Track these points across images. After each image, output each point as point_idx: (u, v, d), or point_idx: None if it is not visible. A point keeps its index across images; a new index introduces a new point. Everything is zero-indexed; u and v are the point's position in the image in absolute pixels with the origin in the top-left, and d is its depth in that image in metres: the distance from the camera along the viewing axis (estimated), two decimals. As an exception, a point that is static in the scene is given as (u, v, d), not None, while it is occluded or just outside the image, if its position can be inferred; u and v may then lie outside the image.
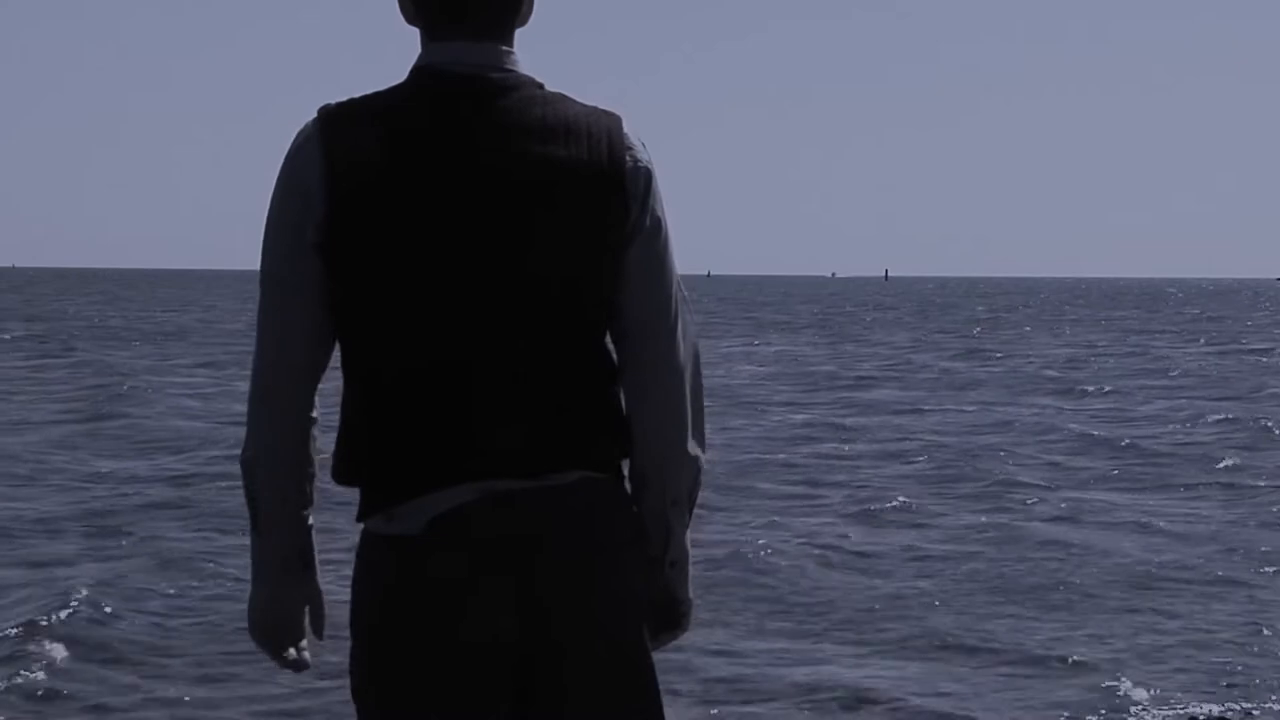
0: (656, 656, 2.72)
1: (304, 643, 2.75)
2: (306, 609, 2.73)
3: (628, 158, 2.63)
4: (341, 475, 2.65)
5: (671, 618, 2.81)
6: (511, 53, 2.66)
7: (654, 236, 2.66)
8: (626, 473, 2.72)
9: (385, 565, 2.60)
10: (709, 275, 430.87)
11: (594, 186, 2.60)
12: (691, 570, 2.80)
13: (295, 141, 2.62)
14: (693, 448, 2.73)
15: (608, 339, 2.68)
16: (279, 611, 2.71)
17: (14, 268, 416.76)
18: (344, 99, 2.64)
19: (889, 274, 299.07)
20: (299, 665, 2.77)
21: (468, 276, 2.56)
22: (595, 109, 2.67)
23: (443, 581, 2.56)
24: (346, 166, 2.55)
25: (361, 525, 2.66)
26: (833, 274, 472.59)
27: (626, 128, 2.67)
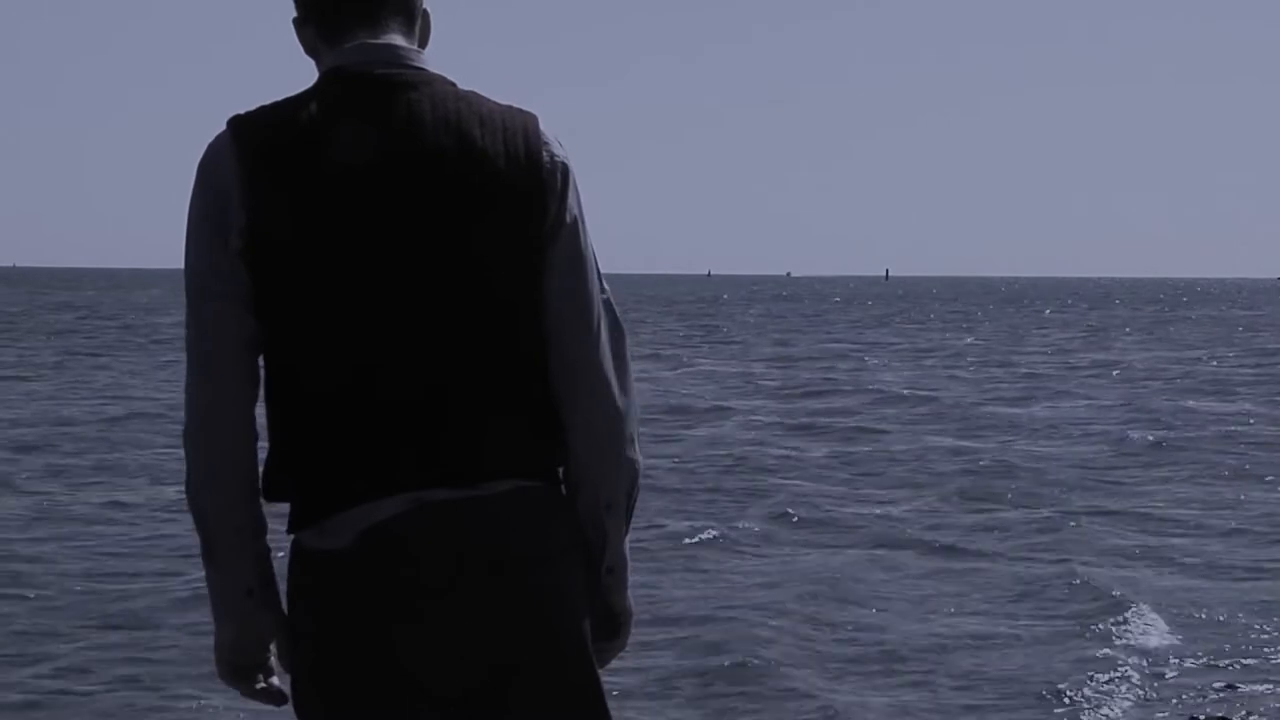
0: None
1: (274, 676, 2.66)
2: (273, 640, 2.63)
3: (544, 153, 2.58)
4: (271, 492, 2.58)
5: (610, 627, 2.74)
6: (420, 51, 2.62)
7: (573, 234, 2.60)
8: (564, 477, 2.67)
9: (319, 579, 2.53)
10: (709, 275, 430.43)
11: (512, 182, 2.55)
12: (631, 578, 2.73)
13: (208, 151, 2.55)
14: (628, 450, 2.66)
15: (535, 341, 2.60)
16: (248, 647, 2.60)
17: (14, 267, 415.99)
18: (254, 107, 2.58)
19: (889, 274, 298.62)
20: (278, 697, 2.65)
21: (389, 279, 2.51)
22: (511, 106, 2.62)
23: (376, 594, 2.50)
24: (263, 172, 2.49)
25: (290, 537, 2.59)
26: (788, 273, 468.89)
27: (543, 125, 2.62)
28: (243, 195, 2.49)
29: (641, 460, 2.70)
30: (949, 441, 18.72)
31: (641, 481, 2.72)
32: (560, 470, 2.64)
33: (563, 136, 2.63)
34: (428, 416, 2.52)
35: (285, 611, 2.61)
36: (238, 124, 2.55)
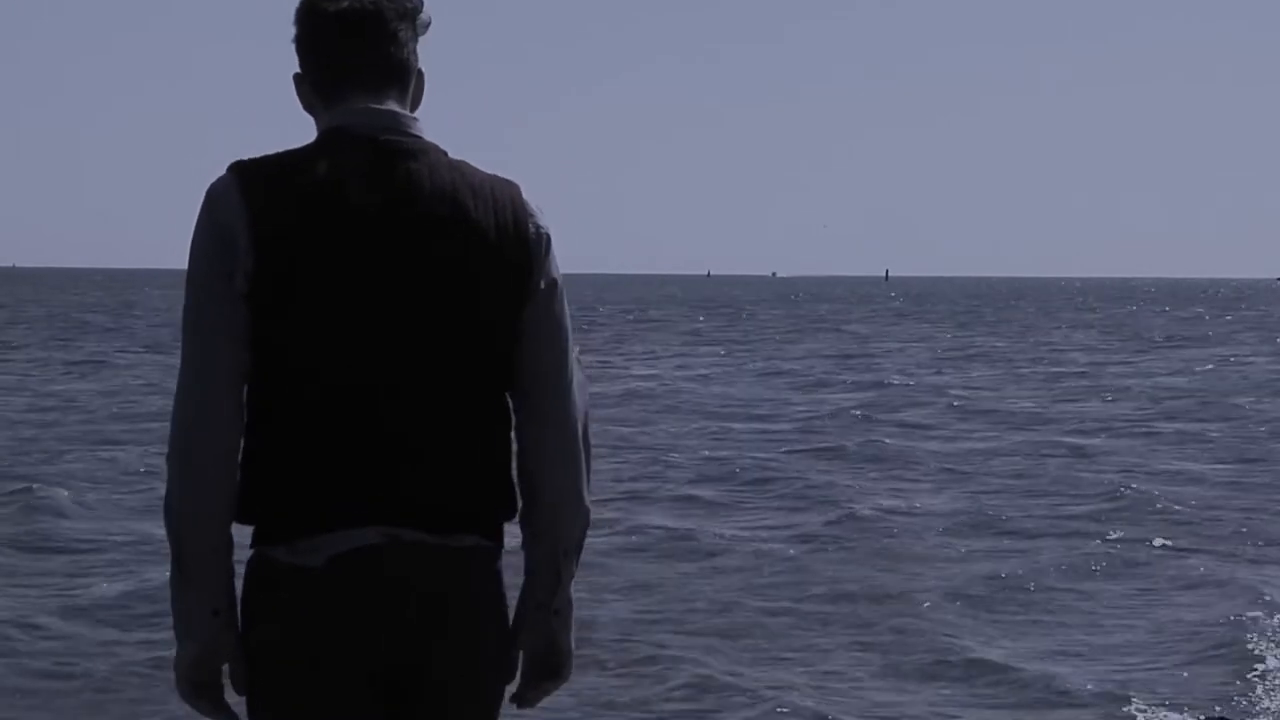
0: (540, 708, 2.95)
1: (224, 693, 2.78)
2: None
3: (530, 224, 2.77)
4: (244, 514, 2.70)
5: (553, 666, 2.89)
6: (416, 119, 2.80)
7: (551, 296, 2.79)
8: (519, 524, 2.85)
9: (284, 593, 2.67)
10: (709, 275, 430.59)
11: (501, 250, 2.73)
12: (574, 619, 2.90)
13: (213, 193, 2.69)
14: (586, 499, 2.84)
15: (506, 395, 2.80)
16: (211, 665, 2.72)
17: (14, 268, 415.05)
18: (257, 156, 2.73)
19: (889, 274, 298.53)
20: (231, 715, 2.78)
21: (383, 324, 2.67)
22: (495, 176, 2.80)
23: (340, 617, 2.65)
24: (268, 219, 2.63)
25: (252, 549, 2.74)
26: (773, 274, 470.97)
27: (526, 195, 2.80)
28: (249, 239, 2.62)
29: (591, 507, 2.87)
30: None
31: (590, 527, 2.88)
32: (503, 529, 2.81)
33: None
34: (408, 454, 2.68)
35: (240, 629, 2.72)
36: (243, 171, 2.68)
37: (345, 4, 2.75)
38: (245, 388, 2.68)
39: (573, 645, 2.90)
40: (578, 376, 2.83)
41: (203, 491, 2.64)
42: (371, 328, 2.66)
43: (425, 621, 2.68)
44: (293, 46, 2.82)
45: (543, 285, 2.77)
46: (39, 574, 10.68)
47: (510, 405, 2.81)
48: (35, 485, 14.17)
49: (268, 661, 2.68)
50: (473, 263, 2.71)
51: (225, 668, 2.73)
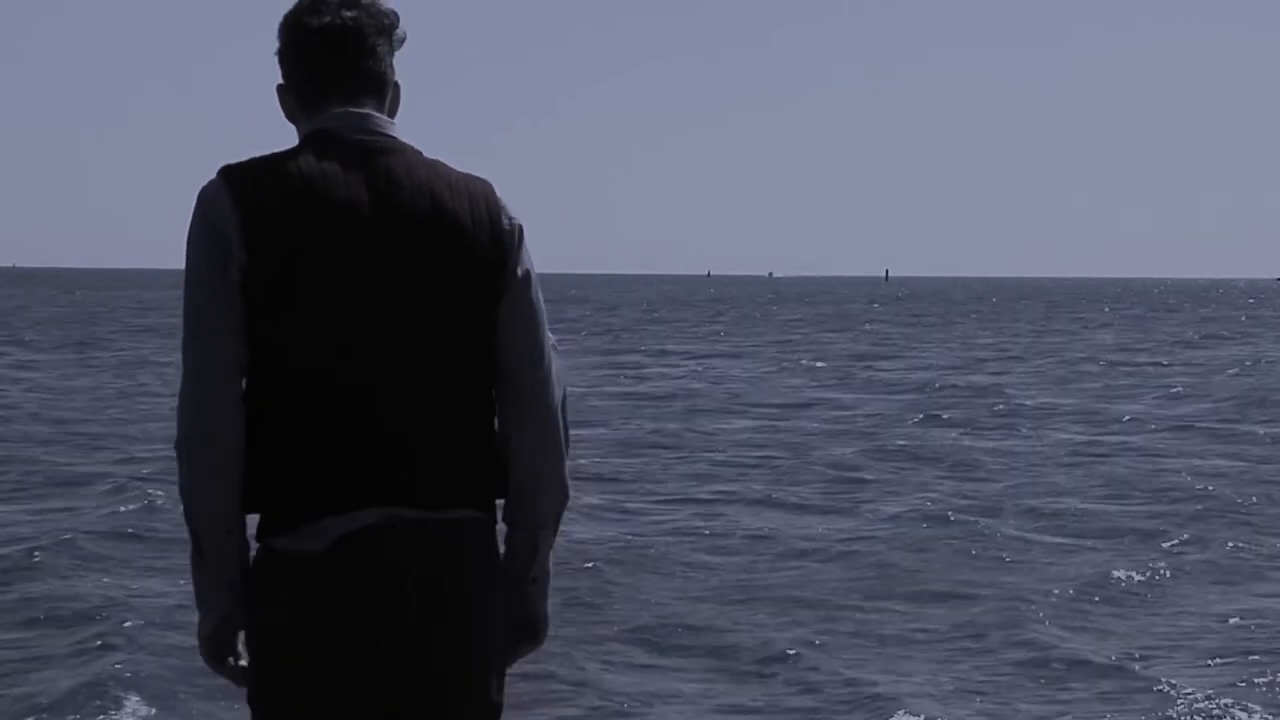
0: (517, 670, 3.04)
1: (242, 660, 2.93)
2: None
3: (503, 217, 2.91)
4: (247, 503, 2.83)
5: (531, 630, 3.05)
6: (391, 122, 2.93)
7: (526, 287, 2.91)
8: (500, 504, 2.97)
9: (290, 579, 2.79)
10: (709, 275, 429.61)
11: (477, 242, 2.86)
12: (550, 588, 3.05)
13: (204, 196, 2.81)
14: (564, 479, 2.98)
15: (491, 380, 2.91)
16: (226, 636, 2.89)
17: (14, 268, 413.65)
18: (243, 159, 2.85)
19: (889, 274, 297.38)
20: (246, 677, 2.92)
21: (373, 318, 2.80)
22: (469, 174, 2.94)
23: (346, 597, 2.77)
24: (258, 218, 2.76)
25: (258, 543, 2.86)
26: (770, 274, 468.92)
27: (498, 191, 2.93)
28: (242, 241, 2.75)
29: (570, 485, 3.01)
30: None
31: (569, 504, 3.01)
32: (497, 503, 2.94)
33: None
34: (401, 437, 2.81)
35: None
36: (232, 175, 2.81)
37: (327, 19, 2.88)
38: (245, 380, 2.81)
39: (549, 610, 3.05)
40: (555, 364, 2.93)
41: (209, 484, 2.78)
42: (368, 329, 2.79)
43: (424, 619, 2.80)
44: (276, 59, 2.95)
45: (519, 275, 2.89)
46: (155, 570, 10.81)
47: (492, 394, 2.93)
48: (130, 481, 14.34)
49: (268, 650, 2.81)
50: (458, 260, 2.83)
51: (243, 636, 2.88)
